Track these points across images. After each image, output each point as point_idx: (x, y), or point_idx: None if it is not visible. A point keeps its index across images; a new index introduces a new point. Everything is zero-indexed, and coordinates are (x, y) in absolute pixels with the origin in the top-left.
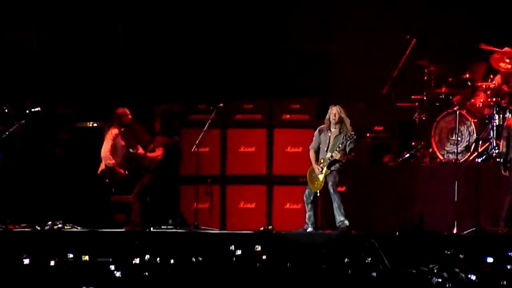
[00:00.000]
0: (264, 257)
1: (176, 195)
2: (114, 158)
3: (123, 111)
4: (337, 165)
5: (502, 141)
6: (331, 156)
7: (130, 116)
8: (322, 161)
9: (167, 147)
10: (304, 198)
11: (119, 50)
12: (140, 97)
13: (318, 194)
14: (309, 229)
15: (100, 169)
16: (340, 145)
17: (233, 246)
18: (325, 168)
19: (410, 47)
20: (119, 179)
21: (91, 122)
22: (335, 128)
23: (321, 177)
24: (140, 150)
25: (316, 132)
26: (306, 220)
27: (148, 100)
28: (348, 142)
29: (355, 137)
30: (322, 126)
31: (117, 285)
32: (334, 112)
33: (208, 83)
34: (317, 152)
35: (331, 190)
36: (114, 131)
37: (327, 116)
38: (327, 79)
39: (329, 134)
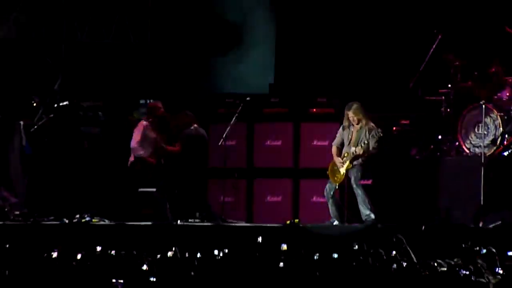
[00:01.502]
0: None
1: (203, 188)
2: (144, 149)
3: (155, 104)
4: (359, 160)
5: None
6: (355, 151)
7: (162, 110)
8: (346, 155)
9: (189, 141)
10: (325, 193)
11: (146, 44)
12: (165, 91)
13: (337, 187)
14: (335, 223)
15: (130, 162)
16: (366, 141)
17: (260, 238)
18: (347, 162)
19: (436, 42)
20: (150, 169)
21: (119, 115)
22: (357, 124)
23: (342, 170)
24: (161, 143)
25: (340, 129)
26: (331, 215)
27: (174, 94)
28: (372, 137)
29: (380, 134)
30: (344, 123)
31: (145, 278)
32: (351, 116)
33: (236, 78)
34: (339, 148)
35: (354, 185)
36: (144, 122)
37: (345, 117)
38: (354, 73)
39: (352, 130)
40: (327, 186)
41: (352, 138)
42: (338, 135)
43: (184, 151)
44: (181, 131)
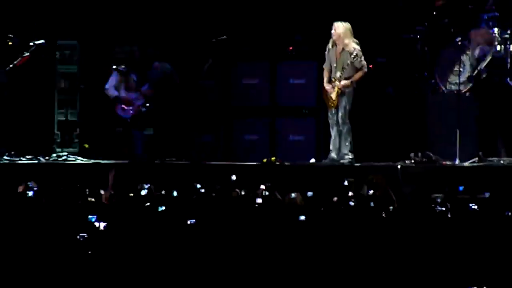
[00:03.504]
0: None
1: (181, 126)
2: (118, 91)
3: (130, 50)
4: (349, 85)
5: None
6: (340, 76)
7: (137, 56)
8: (333, 80)
9: (157, 82)
10: (329, 121)
11: None
12: (144, 33)
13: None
14: (333, 156)
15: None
16: (347, 64)
17: (234, 177)
18: (336, 88)
19: None
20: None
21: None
22: (339, 45)
23: (333, 95)
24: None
25: (326, 50)
26: (331, 146)
27: (154, 38)
28: (355, 59)
29: (359, 53)
30: (329, 43)
31: (118, 216)
32: (333, 28)
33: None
34: (330, 70)
35: (341, 120)
36: (121, 67)
37: (331, 36)
38: (330, 11)
39: (336, 51)
40: (329, 112)
41: (337, 61)
42: (326, 57)
43: (156, 93)
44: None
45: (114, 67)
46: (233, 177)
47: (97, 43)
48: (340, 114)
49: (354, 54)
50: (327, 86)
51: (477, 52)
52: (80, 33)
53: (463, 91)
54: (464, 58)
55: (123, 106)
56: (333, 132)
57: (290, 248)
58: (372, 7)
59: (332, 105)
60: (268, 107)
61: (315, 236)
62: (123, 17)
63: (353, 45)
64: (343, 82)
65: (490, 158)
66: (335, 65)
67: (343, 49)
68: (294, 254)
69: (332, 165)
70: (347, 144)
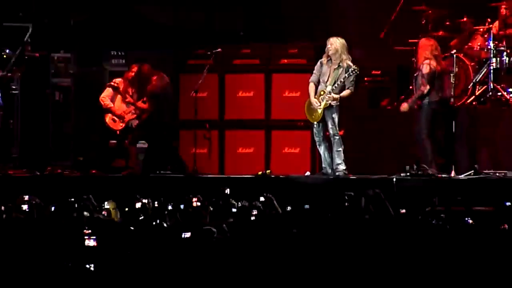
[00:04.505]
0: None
1: (174, 139)
2: (113, 102)
3: (130, 67)
4: (336, 100)
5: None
6: (331, 90)
7: (131, 74)
8: (322, 93)
9: (155, 96)
10: (315, 138)
11: None
12: (138, 41)
13: (320, 126)
14: (328, 171)
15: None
16: (340, 81)
17: (228, 190)
18: (323, 101)
19: None
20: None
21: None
22: (335, 60)
23: (319, 110)
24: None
25: (318, 64)
26: (323, 164)
27: (147, 45)
28: (349, 77)
29: (357, 71)
30: (323, 58)
31: (116, 230)
32: (330, 43)
33: (206, 28)
34: (316, 86)
35: (331, 132)
36: (117, 80)
37: (326, 51)
38: (325, 24)
39: (330, 66)
40: (314, 129)
41: (329, 76)
42: (315, 71)
43: (153, 107)
44: (146, 86)
45: (113, 81)
46: (227, 190)
47: (93, 55)
48: (329, 125)
49: (350, 71)
50: (313, 101)
51: (424, 68)
52: (75, 45)
53: (458, 104)
54: (459, 71)
55: (114, 118)
56: (321, 150)
57: (285, 260)
58: (365, 20)
59: (315, 118)
60: (263, 120)
61: (311, 250)
62: (117, 29)
63: (349, 63)
64: (334, 95)
65: (486, 171)
66: (325, 79)
67: (338, 65)
68: (289, 266)
69: (327, 177)
70: (339, 154)
